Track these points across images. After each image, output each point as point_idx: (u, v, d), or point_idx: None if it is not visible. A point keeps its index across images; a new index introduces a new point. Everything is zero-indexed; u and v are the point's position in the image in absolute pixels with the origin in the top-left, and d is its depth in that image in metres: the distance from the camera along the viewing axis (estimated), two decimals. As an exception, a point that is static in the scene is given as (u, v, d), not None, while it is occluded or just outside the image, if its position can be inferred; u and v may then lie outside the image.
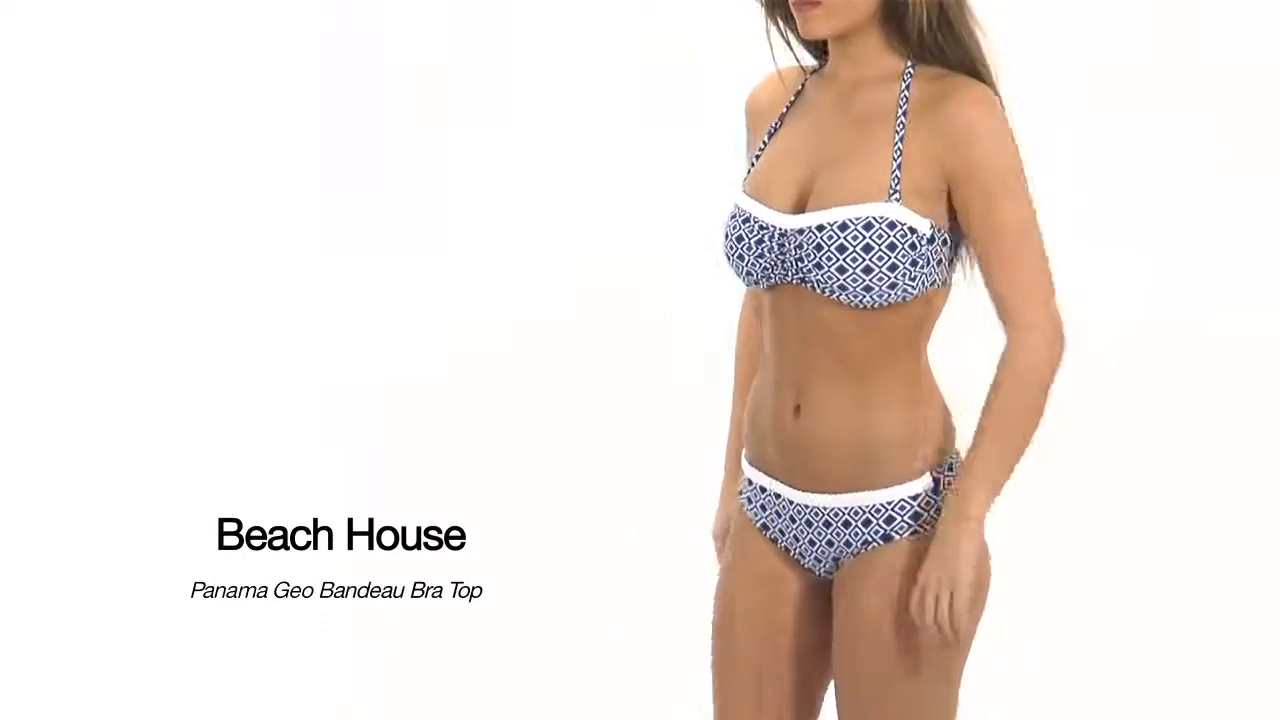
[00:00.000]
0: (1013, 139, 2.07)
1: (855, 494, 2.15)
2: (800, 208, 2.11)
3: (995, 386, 2.08)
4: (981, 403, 2.10)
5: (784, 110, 2.23)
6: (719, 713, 2.31)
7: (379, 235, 4.74)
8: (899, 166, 2.07)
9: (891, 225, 2.05)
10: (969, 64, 2.13)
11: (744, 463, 2.31)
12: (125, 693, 3.51)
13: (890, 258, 2.05)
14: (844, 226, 2.05)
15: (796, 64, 2.26)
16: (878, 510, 2.15)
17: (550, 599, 3.79)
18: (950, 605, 2.03)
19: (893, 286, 2.06)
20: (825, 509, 2.17)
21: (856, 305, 2.08)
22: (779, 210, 2.13)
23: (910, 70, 2.13)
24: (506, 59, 4.80)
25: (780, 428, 2.17)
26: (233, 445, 4.40)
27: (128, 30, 3.95)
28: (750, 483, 2.27)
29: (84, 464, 4.31)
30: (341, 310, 4.59)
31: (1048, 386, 2.09)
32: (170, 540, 3.95)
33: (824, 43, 2.20)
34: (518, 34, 4.73)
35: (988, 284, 2.10)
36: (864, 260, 2.05)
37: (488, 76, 4.79)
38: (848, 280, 2.06)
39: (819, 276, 2.07)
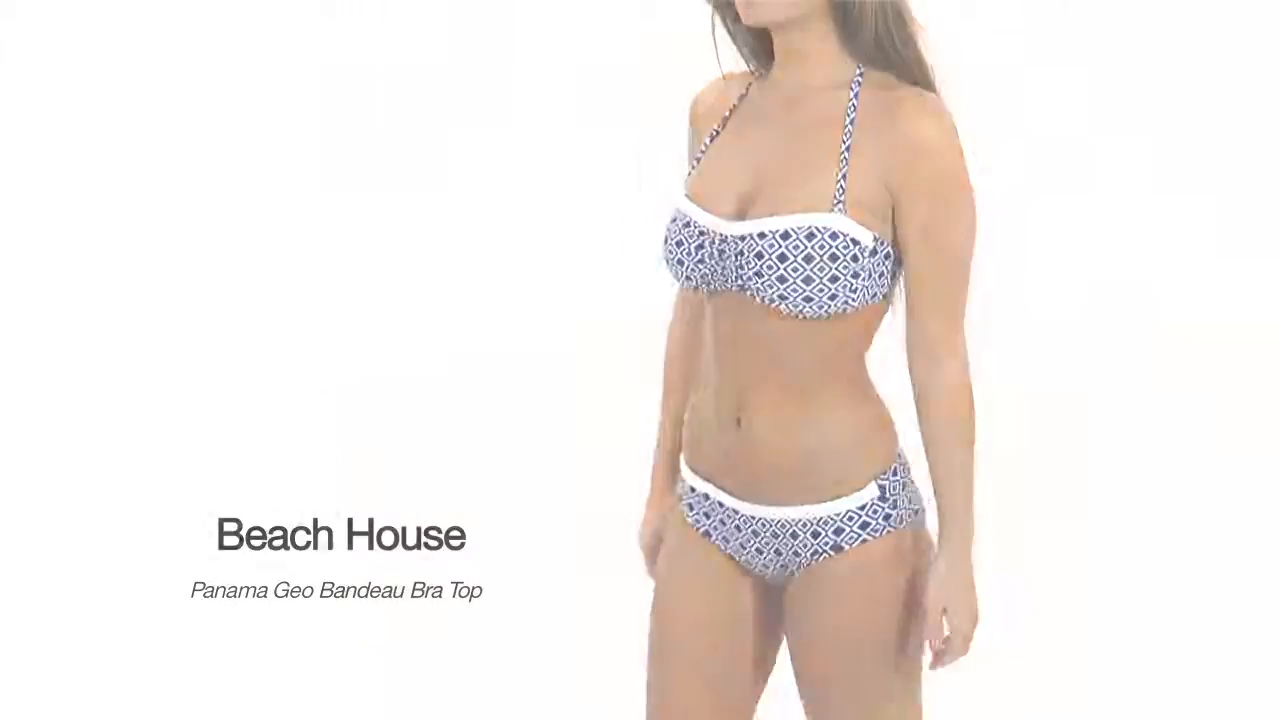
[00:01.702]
0: (962, 155, 2.04)
1: (802, 506, 2.13)
2: (742, 214, 2.07)
3: (939, 430, 2.09)
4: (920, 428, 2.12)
5: (727, 115, 2.19)
6: (654, 710, 2.28)
7: (379, 235, 4.74)
8: (843, 177, 2.02)
9: (833, 235, 2.01)
10: (917, 68, 2.09)
11: (684, 468, 2.27)
12: (125, 693, 3.50)
13: (831, 268, 2.01)
14: (786, 235, 2.02)
15: (743, 69, 2.21)
16: (825, 522, 2.13)
17: (550, 599, 3.79)
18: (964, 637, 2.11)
19: (833, 297, 2.03)
20: (772, 520, 2.15)
21: (796, 315, 2.04)
22: (720, 216, 2.09)
23: (859, 77, 2.08)
24: (505, 63, 4.80)
25: (722, 439, 2.15)
26: (232, 445, 4.40)
27: (128, 31, 3.95)
28: (693, 489, 2.24)
29: (84, 464, 4.30)
30: (342, 310, 4.58)
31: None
32: (170, 540, 3.95)
33: (770, 49, 2.15)
34: (516, 36, 4.73)
35: (914, 307, 2.08)
36: (805, 270, 2.01)
37: (485, 79, 4.79)
38: (788, 290, 2.02)
39: (759, 285, 2.03)
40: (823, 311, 2.03)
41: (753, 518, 2.16)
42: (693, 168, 2.19)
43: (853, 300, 2.03)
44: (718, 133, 2.18)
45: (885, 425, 2.17)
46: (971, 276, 2.06)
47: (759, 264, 2.02)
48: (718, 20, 2.16)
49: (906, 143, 2.01)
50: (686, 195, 2.15)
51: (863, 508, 2.13)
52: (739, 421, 2.11)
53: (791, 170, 2.05)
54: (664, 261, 2.15)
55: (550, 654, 3.59)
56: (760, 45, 2.17)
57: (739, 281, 2.05)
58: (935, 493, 2.13)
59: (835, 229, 2.01)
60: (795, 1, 2.03)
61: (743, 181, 2.09)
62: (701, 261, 2.08)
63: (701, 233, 2.09)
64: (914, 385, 2.13)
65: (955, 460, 2.10)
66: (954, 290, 2.07)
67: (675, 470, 2.36)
